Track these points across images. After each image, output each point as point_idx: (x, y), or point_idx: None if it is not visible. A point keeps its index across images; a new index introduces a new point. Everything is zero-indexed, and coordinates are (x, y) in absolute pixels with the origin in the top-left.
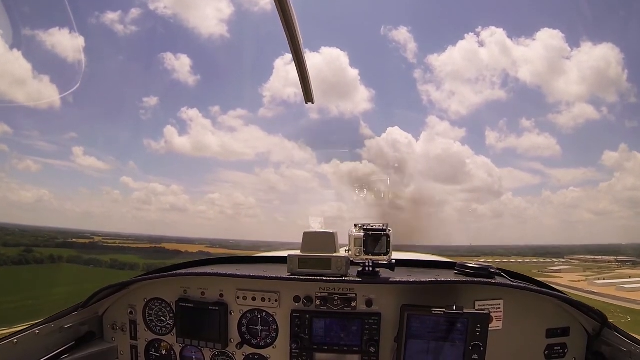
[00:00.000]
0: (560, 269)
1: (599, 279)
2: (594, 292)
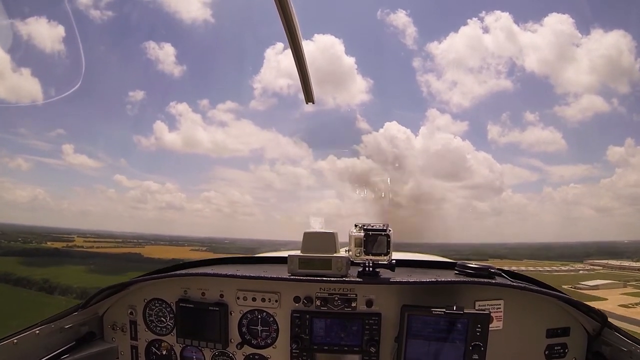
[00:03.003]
0: (597, 285)
1: None
2: None
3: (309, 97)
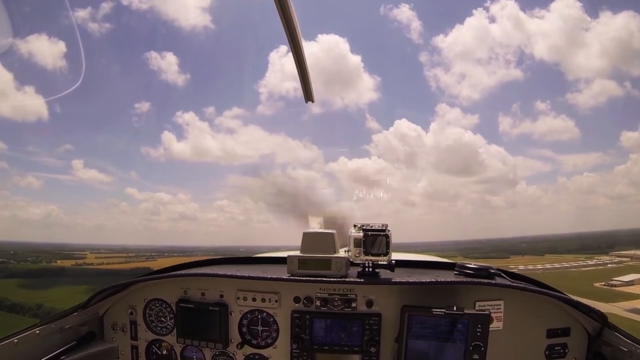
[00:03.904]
0: (632, 280)
1: None
2: None
3: (308, 96)
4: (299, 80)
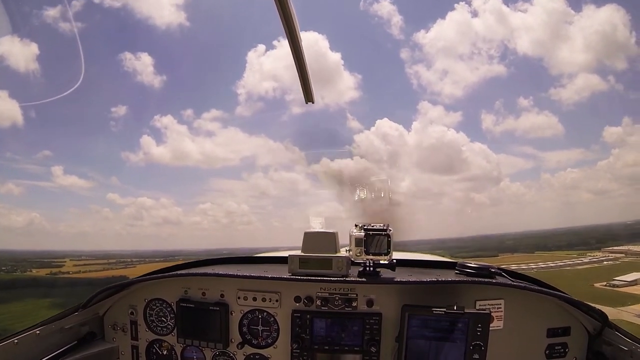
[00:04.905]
0: (635, 279)
1: None
2: None
3: (308, 97)
4: (285, 82)
